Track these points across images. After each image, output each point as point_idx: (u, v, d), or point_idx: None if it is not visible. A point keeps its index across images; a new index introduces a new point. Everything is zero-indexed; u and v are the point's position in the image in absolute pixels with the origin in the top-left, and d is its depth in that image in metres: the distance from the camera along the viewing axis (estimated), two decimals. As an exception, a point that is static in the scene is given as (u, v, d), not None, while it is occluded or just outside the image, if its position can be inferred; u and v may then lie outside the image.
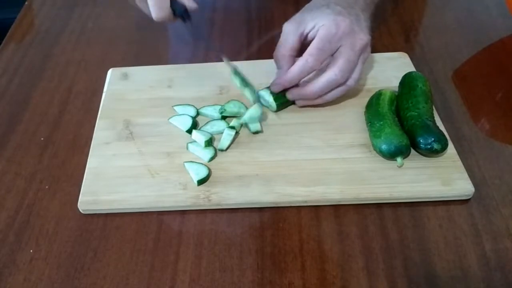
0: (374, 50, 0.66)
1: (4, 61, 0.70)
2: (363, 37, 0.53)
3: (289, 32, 0.54)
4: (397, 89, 0.57)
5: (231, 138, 0.54)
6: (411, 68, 0.61)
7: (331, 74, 0.52)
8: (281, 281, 0.44)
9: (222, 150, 0.53)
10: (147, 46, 0.71)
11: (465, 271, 0.44)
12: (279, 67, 0.56)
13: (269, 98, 0.56)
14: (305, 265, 0.45)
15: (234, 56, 0.62)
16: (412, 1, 0.76)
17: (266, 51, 0.67)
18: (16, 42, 0.74)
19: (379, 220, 0.48)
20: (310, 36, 0.53)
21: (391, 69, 0.61)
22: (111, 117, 0.58)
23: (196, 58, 0.67)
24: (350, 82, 0.54)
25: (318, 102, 0.56)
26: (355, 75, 0.54)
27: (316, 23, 0.53)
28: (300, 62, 0.52)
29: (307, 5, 0.57)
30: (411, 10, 0.75)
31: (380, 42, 0.68)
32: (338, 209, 0.49)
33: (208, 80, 0.62)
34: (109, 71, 0.65)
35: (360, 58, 0.54)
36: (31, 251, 0.48)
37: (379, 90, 0.55)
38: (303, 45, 0.54)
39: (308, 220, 0.48)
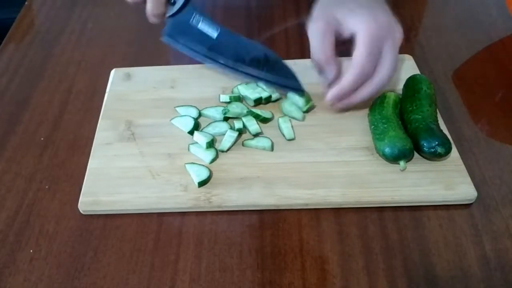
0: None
1: (4, 61, 0.70)
2: (399, 29, 0.52)
3: (324, 32, 0.52)
4: (401, 92, 0.57)
5: (232, 140, 0.54)
6: (415, 70, 0.61)
7: (383, 74, 0.51)
8: (281, 281, 0.44)
9: (222, 151, 0.53)
10: (147, 46, 0.71)
11: (465, 271, 0.44)
12: (323, 71, 0.54)
13: (298, 102, 0.57)
14: (305, 265, 0.45)
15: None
16: (412, 1, 0.76)
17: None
18: (16, 42, 0.74)
19: (379, 220, 0.48)
20: (346, 34, 0.52)
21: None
22: (113, 118, 0.58)
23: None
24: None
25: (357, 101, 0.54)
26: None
27: (351, 22, 0.51)
28: (356, 70, 0.50)
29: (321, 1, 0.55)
30: (411, 10, 0.75)
31: (380, 42, 0.68)
32: (338, 210, 0.49)
33: (211, 81, 0.62)
34: (112, 71, 0.65)
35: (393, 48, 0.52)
36: (31, 251, 0.48)
37: (383, 93, 0.55)
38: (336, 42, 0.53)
39: (308, 220, 0.48)
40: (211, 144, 0.53)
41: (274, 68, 0.57)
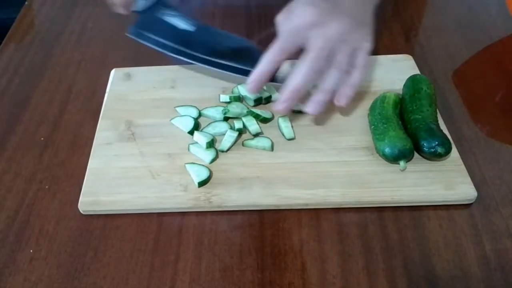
0: (375, 50, 0.67)
1: (4, 61, 0.70)
2: (336, 25, 0.48)
3: (281, 30, 0.50)
4: (401, 92, 0.57)
5: (232, 140, 0.54)
6: (415, 70, 0.61)
7: (302, 65, 0.48)
8: (281, 281, 0.44)
9: (222, 151, 0.53)
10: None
11: (465, 271, 0.44)
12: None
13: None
14: (305, 265, 0.45)
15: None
16: (412, 1, 0.76)
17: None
18: (16, 42, 0.74)
19: (379, 220, 0.48)
20: None
21: (395, 72, 0.61)
22: (113, 118, 0.58)
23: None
24: (354, 80, 0.50)
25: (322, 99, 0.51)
26: (358, 70, 0.50)
27: (292, 13, 0.49)
28: (266, 54, 0.49)
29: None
30: (411, 10, 0.75)
31: (380, 42, 0.68)
32: (338, 210, 0.49)
33: (211, 81, 0.62)
34: (112, 71, 0.65)
35: (341, 47, 0.49)
36: (31, 251, 0.48)
37: (384, 93, 0.55)
38: None
39: (308, 220, 0.48)
40: (211, 144, 0.53)
41: (250, 59, 0.54)
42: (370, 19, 0.53)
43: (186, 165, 0.52)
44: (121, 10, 0.58)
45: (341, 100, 0.51)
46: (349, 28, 0.49)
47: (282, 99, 0.50)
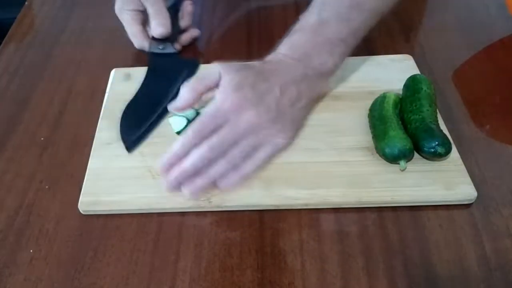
0: (375, 50, 0.67)
1: (4, 61, 0.70)
2: (251, 115, 0.46)
3: (210, 75, 0.49)
4: (401, 92, 0.57)
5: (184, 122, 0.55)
6: (415, 70, 0.61)
7: (199, 149, 0.46)
8: (281, 281, 0.44)
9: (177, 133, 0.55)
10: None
11: (465, 271, 0.44)
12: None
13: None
14: (305, 265, 0.45)
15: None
16: (412, 1, 0.76)
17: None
18: (16, 42, 0.74)
19: (379, 220, 0.48)
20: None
21: (395, 72, 0.61)
22: (113, 118, 0.58)
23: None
24: (244, 169, 0.48)
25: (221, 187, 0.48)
26: (252, 161, 0.48)
27: (218, 89, 0.48)
28: (183, 136, 0.47)
29: (245, 63, 0.50)
30: (411, 10, 0.75)
31: (380, 42, 0.68)
32: (338, 210, 0.49)
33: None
34: (112, 72, 0.65)
35: (247, 139, 0.47)
36: (31, 251, 0.48)
37: (384, 93, 0.55)
38: None
39: (308, 220, 0.48)
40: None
41: None
42: (302, 113, 0.52)
43: (169, 119, 0.55)
44: (163, 31, 0.63)
45: (223, 185, 0.48)
46: (264, 122, 0.47)
47: (172, 175, 0.47)
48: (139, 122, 0.56)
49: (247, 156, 0.48)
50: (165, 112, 0.57)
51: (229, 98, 0.47)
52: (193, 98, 0.49)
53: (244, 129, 0.47)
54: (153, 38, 0.64)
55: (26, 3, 0.82)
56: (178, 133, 0.55)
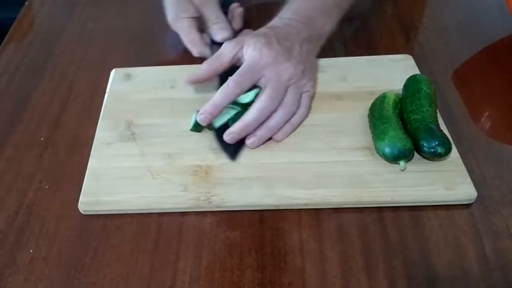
0: (375, 50, 0.67)
1: (4, 61, 0.70)
2: (288, 67, 0.52)
3: (225, 51, 0.54)
4: (401, 92, 0.57)
5: (228, 116, 0.54)
6: (415, 70, 0.61)
7: (259, 102, 0.52)
8: (281, 281, 0.44)
9: (214, 127, 0.54)
10: (148, 46, 0.71)
11: (465, 271, 0.44)
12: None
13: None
14: (305, 265, 0.45)
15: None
16: (412, 1, 0.76)
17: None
18: (16, 42, 0.74)
19: (379, 220, 0.48)
20: (241, 62, 0.54)
21: (395, 72, 0.61)
22: (113, 118, 0.58)
23: (198, 59, 0.67)
24: (296, 119, 0.54)
25: (264, 138, 0.53)
26: (301, 110, 0.54)
27: (247, 50, 0.53)
28: (222, 87, 0.52)
29: (257, 30, 0.56)
30: (411, 10, 0.75)
31: (380, 42, 0.68)
32: (338, 210, 0.49)
33: (211, 81, 0.62)
34: (112, 72, 0.65)
35: (291, 89, 0.53)
36: (31, 251, 0.48)
37: (384, 93, 0.55)
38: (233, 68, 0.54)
39: (308, 220, 0.48)
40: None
41: None
42: (315, 66, 0.59)
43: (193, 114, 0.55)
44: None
45: (279, 137, 0.54)
46: (299, 73, 0.53)
47: (234, 131, 0.52)
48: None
49: (296, 105, 0.54)
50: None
51: (263, 54, 0.52)
52: (209, 73, 0.55)
53: (287, 79, 0.53)
54: (213, 43, 0.63)
55: (26, 3, 0.82)
56: (194, 129, 0.55)
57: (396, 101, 0.55)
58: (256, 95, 0.53)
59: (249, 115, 0.52)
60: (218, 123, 0.54)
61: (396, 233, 0.47)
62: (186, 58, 0.65)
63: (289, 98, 0.53)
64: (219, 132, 0.54)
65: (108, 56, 0.69)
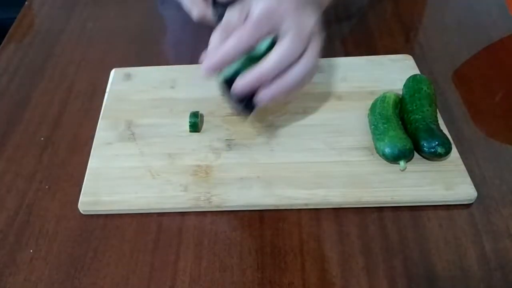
0: (375, 50, 0.67)
1: (4, 61, 0.70)
2: (311, 14, 0.47)
3: (232, 19, 0.48)
4: (401, 92, 0.57)
5: (237, 66, 0.47)
6: (415, 70, 0.61)
7: (281, 48, 0.45)
8: (281, 281, 0.44)
9: (225, 78, 0.48)
10: (147, 46, 0.71)
11: (465, 271, 0.44)
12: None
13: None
14: (305, 265, 0.45)
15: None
16: (412, 1, 0.76)
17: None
18: (16, 42, 0.74)
19: (379, 220, 0.48)
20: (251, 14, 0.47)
21: (395, 72, 0.61)
22: (113, 118, 0.58)
23: (198, 58, 0.67)
24: (306, 61, 0.46)
25: (278, 92, 0.46)
26: (310, 53, 0.46)
27: (257, 3, 0.46)
28: (234, 36, 0.45)
29: None
30: (411, 10, 0.75)
31: (380, 42, 0.68)
32: (338, 210, 0.49)
33: (211, 81, 0.62)
34: (112, 71, 0.65)
35: (313, 40, 0.47)
36: (31, 251, 0.48)
37: (384, 93, 0.55)
38: None
39: (308, 220, 0.48)
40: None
41: None
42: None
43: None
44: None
45: (294, 91, 0.47)
46: (318, 24, 0.48)
47: (247, 80, 0.45)
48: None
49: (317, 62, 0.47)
50: None
51: (279, 4, 0.45)
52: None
53: (311, 28, 0.46)
54: (215, 4, 0.56)
55: (26, 3, 0.82)
56: (192, 130, 0.55)
57: (396, 101, 0.55)
58: (271, 46, 0.46)
59: (268, 63, 0.45)
60: (226, 73, 0.47)
61: (396, 233, 0.47)
62: (186, 58, 0.65)
63: (311, 51, 0.46)
64: (227, 84, 0.47)
65: (108, 56, 0.69)
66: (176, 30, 0.74)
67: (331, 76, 0.61)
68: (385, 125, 0.51)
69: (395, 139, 0.50)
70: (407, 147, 0.49)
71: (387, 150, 0.50)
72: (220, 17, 0.53)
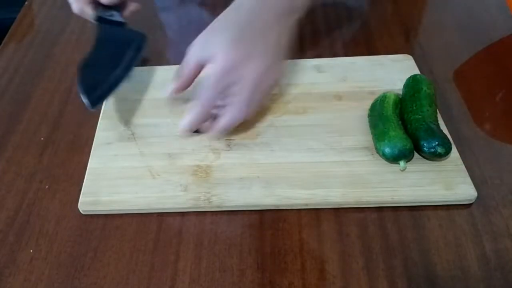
0: (375, 50, 0.67)
1: (4, 61, 0.70)
2: (257, 65, 0.48)
3: (191, 59, 0.52)
4: (401, 92, 0.57)
5: None
6: (415, 70, 0.61)
7: (229, 116, 0.50)
8: (281, 281, 0.44)
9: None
10: (147, 46, 0.71)
11: (465, 271, 0.44)
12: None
13: None
14: (305, 265, 0.45)
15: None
16: (412, 1, 0.76)
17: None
18: (16, 42, 0.74)
19: (379, 220, 0.48)
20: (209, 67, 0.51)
21: (395, 72, 0.61)
22: (113, 118, 0.58)
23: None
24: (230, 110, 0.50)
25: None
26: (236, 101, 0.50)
27: (212, 54, 0.49)
28: (197, 108, 0.50)
29: (217, 19, 0.52)
30: (411, 10, 0.75)
31: (380, 42, 0.68)
32: (338, 210, 0.49)
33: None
34: (111, 71, 0.64)
35: (259, 87, 0.50)
36: (31, 251, 0.48)
37: (384, 93, 0.55)
38: None
39: (308, 220, 0.48)
40: None
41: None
42: (283, 52, 0.52)
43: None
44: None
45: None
46: (267, 64, 0.49)
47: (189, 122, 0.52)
48: (98, 82, 0.53)
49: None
50: (121, 76, 0.54)
51: (231, 55, 0.48)
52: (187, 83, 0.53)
53: (256, 80, 0.49)
54: (99, 5, 0.60)
55: (26, 3, 0.82)
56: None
57: (396, 101, 0.55)
58: None
59: (219, 126, 0.51)
60: None
61: (396, 233, 0.47)
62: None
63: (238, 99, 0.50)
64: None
65: (108, 56, 0.69)
66: (176, 30, 0.74)
67: (331, 76, 0.61)
68: (385, 125, 0.51)
69: (395, 139, 0.50)
70: (407, 147, 0.49)
71: (387, 150, 0.50)
72: (98, 18, 0.58)
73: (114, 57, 0.56)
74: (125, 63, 0.54)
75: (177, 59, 0.67)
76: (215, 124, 0.52)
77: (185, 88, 0.54)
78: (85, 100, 0.51)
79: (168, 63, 0.66)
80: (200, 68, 0.52)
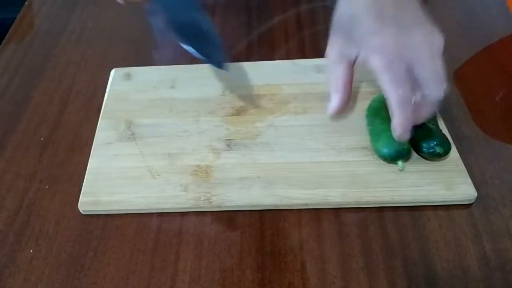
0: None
1: (4, 61, 0.70)
2: (437, 35, 0.46)
3: (335, 63, 0.49)
4: None
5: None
6: None
7: (435, 93, 0.45)
8: (281, 281, 0.44)
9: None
10: (147, 46, 0.71)
11: (465, 271, 0.44)
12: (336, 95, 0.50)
13: None
14: (305, 265, 0.45)
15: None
16: (412, 1, 0.76)
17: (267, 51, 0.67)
18: (16, 42, 0.74)
19: (379, 220, 0.48)
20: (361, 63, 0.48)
21: None
22: (113, 118, 0.58)
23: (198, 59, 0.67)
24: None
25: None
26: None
27: (360, 51, 0.46)
28: (399, 109, 0.45)
29: (336, 20, 0.49)
30: (411, 10, 0.75)
31: (380, 42, 0.68)
32: (338, 210, 0.49)
33: (211, 81, 0.62)
34: (112, 71, 0.64)
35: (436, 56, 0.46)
36: (31, 251, 0.48)
37: (382, 93, 0.55)
38: None
39: (308, 220, 0.48)
40: None
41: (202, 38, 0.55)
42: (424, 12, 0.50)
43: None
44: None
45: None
46: (429, 32, 0.48)
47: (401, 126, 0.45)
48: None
49: None
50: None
51: (386, 45, 0.45)
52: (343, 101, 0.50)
53: (437, 49, 0.48)
54: None
55: (26, 3, 0.82)
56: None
57: (395, 101, 0.55)
58: None
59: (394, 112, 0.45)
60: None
61: (396, 233, 0.47)
62: (186, 58, 0.65)
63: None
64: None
65: (108, 56, 0.69)
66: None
67: (331, 76, 0.61)
68: (383, 125, 0.51)
69: (392, 139, 0.50)
70: (404, 147, 0.49)
71: (385, 150, 0.50)
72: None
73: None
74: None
75: (177, 59, 0.67)
76: (421, 111, 0.46)
77: (347, 99, 0.50)
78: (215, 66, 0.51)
79: (168, 63, 0.66)
80: (351, 65, 0.48)
